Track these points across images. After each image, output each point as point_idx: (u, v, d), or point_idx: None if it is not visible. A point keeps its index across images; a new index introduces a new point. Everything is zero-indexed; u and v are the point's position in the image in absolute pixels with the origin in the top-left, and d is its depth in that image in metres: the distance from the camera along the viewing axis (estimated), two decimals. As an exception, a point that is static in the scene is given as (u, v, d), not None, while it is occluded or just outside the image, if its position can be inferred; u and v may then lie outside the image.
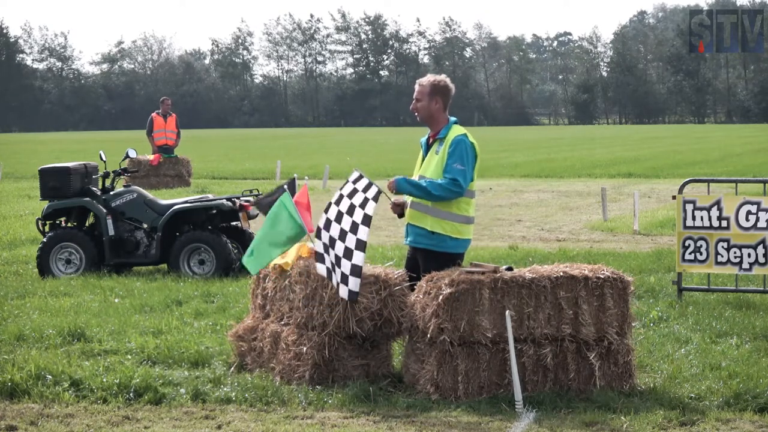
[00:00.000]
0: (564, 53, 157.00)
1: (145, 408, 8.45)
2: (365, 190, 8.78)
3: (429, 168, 9.06)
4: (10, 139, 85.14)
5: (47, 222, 15.43)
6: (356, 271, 8.62)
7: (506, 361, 8.37)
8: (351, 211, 8.75)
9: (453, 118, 9.19)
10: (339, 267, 8.68)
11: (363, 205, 8.73)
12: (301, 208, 9.26)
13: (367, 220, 8.69)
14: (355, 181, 8.82)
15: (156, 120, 29.88)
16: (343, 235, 8.70)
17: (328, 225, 8.79)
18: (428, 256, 9.05)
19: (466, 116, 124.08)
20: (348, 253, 8.66)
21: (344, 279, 8.66)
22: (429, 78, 9.24)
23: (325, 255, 8.75)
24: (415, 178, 9.16)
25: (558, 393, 8.45)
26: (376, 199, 8.77)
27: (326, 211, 8.85)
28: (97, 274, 14.71)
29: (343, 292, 8.68)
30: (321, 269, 8.82)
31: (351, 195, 8.80)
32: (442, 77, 9.24)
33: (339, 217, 8.76)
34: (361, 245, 8.64)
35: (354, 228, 8.69)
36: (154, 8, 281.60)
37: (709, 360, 9.47)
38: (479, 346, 8.41)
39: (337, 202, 8.82)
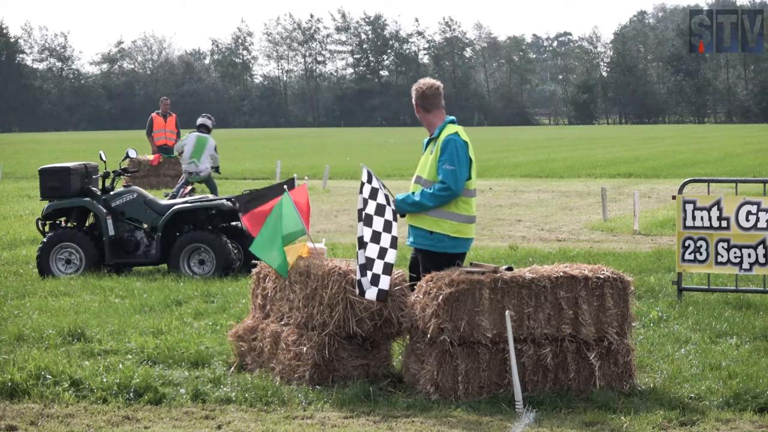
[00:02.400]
0: (564, 53, 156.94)
1: (145, 408, 8.45)
2: (381, 189, 8.82)
3: (425, 168, 9.07)
4: (10, 139, 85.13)
5: (47, 222, 15.43)
6: (388, 269, 8.63)
7: (506, 361, 8.37)
8: (381, 211, 8.75)
9: (450, 117, 9.17)
10: (371, 269, 8.65)
11: (389, 202, 8.78)
12: (299, 208, 9.25)
13: (396, 216, 8.76)
14: (369, 181, 8.79)
15: (156, 120, 29.86)
16: (376, 236, 8.69)
17: (361, 234, 8.72)
18: (427, 257, 9.06)
19: (466, 116, 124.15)
20: (382, 252, 8.64)
21: (375, 280, 8.64)
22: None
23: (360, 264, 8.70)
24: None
25: (558, 393, 8.45)
26: (389, 201, 8.81)
27: (360, 219, 8.76)
28: (97, 274, 14.71)
29: (372, 293, 8.64)
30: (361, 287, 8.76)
31: (373, 195, 8.78)
32: (417, 83, 9.27)
33: (369, 221, 8.73)
34: (395, 242, 8.66)
35: (388, 226, 8.70)
36: (154, 8, 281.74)
37: (709, 360, 9.48)
38: (479, 346, 8.41)
39: (364, 206, 8.76)
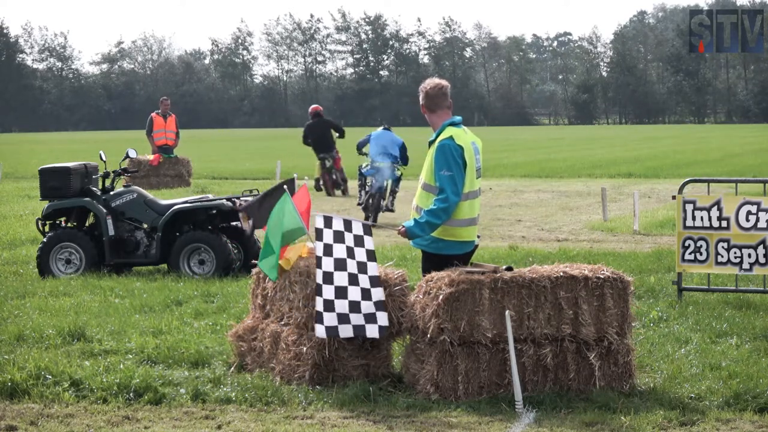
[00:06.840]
0: (564, 53, 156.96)
1: (145, 408, 8.45)
2: (348, 229, 8.79)
3: (424, 171, 9.04)
4: (10, 139, 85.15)
5: (47, 222, 15.42)
6: (381, 305, 8.71)
7: (506, 361, 8.37)
8: (351, 253, 8.76)
9: (450, 119, 9.06)
10: (359, 311, 8.69)
11: (360, 243, 8.76)
12: (300, 208, 9.24)
13: (371, 255, 8.77)
14: (327, 226, 8.77)
15: (156, 120, 29.87)
16: (353, 278, 8.71)
17: (329, 277, 8.70)
18: (425, 257, 9.12)
19: (466, 116, 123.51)
20: (365, 293, 8.69)
21: (371, 318, 8.69)
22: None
23: (332, 309, 8.66)
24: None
25: (558, 393, 8.45)
26: (369, 232, 8.82)
27: (320, 266, 8.70)
28: (97, 274, 14.70)
29: (372, 330, 8.69)
30: (321, 331, 8.66)
31: (338, 239, 8.77)
32: (425, 82, 9.23)
33: (341, 264, 8.73)
34: (375, 281, 8.70)
35: (362, 267, 8.73)
36: (154, 8, 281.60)
37: (709, 360, 9.47)
38: (479, 346, 8.41)
39: (328, 253, 8.73)
